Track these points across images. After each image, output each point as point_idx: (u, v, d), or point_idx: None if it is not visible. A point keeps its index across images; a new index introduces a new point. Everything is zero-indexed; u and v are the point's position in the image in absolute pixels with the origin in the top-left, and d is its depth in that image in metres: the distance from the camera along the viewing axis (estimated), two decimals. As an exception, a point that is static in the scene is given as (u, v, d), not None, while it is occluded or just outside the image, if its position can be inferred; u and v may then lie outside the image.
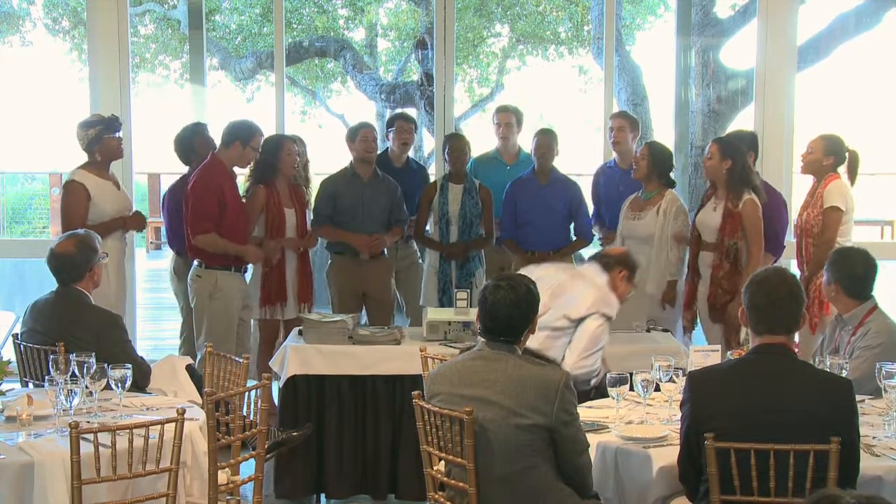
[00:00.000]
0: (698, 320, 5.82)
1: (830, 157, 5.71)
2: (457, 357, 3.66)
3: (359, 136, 6.26)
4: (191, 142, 6.24)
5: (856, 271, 4.33)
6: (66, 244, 4.55)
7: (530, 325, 3.52)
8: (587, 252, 6.37)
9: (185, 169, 6.31)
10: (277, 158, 6.00)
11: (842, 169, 5.75)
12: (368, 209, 6.22)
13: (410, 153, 6.85)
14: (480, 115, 14.96)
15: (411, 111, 11.78)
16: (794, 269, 5.98)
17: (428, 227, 6.49)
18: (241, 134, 5.80)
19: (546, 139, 6.33)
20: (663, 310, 5.84)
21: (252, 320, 6.14)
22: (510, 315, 3.45)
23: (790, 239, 6.14)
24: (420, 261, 6.68)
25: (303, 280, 6.09)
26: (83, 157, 5.83)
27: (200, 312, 5.83)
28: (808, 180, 5.85)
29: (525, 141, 6.78)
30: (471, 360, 3.49)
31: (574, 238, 6.48)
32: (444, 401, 3.43)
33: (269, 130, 7.12)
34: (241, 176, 6.22)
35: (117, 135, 5.87)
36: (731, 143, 5.71)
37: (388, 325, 5.74)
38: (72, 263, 4.51)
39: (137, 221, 6.03)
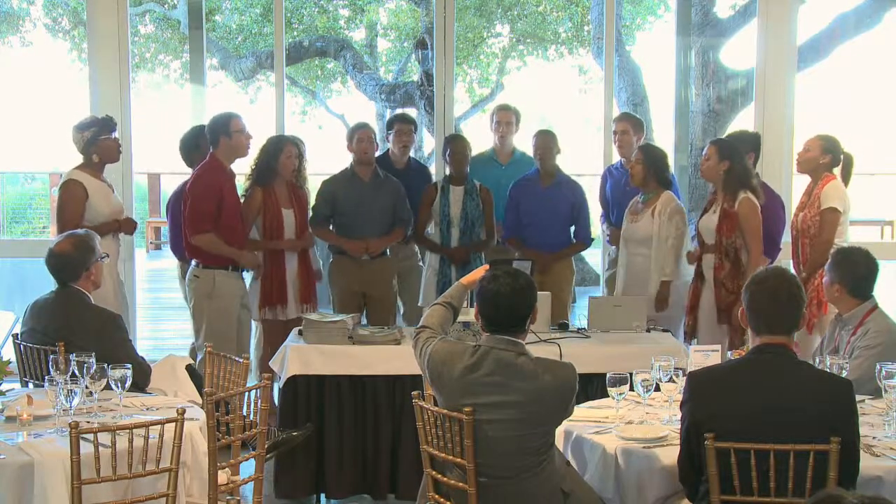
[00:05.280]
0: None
1: (827, 156, 5.72)
2: (460, 347, 3.52)
3: (355, 137, 6.26)
4: (196, 144, 6.19)
5: (859, 271, 4.32)
6: (64, 244, 4.54)
7: (532, 315, 3.51)
8: (587, 254, 6.37)
9: (188, 171, 6.27)
10: (276, 161, 5.99)
11: (836, 170, 5.76)
12: (368, 210, 6.20)
13: (410, 153, 6.84)
14: (480, 115, 14.96)
15: (411, 111, 11.76)
16: (791, 269, 5.96)
17: (429, 229, 6.47)
18: (219, 128, 5.79)
19: (544, 139, 6.33)
20: (656, 311, 5.81)
21: (253, 321, 6.13)
22: (513, 303, 3.44)
23: (786, 240, 6.14)
24: (420, 263, 6.67)
25: (304, 280, 6.08)
26: (82, 158, 5.81)
27: (199, 313, 5.82)
28: (808, 180, 5.84)
29: (524, 141, 6.79)
30: (479, 361, 3.42)
31: (574, 240, 6.49)
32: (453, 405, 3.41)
33: (269, 131, 7.12)
34: (241, 176, 6.20)
35: (114, 135, 5.85)
36: (729, 144, 5.70)
37: (388, 326, 5.73)
38: (69, 263, 4.50)
39: (129, 225, 6.00)
